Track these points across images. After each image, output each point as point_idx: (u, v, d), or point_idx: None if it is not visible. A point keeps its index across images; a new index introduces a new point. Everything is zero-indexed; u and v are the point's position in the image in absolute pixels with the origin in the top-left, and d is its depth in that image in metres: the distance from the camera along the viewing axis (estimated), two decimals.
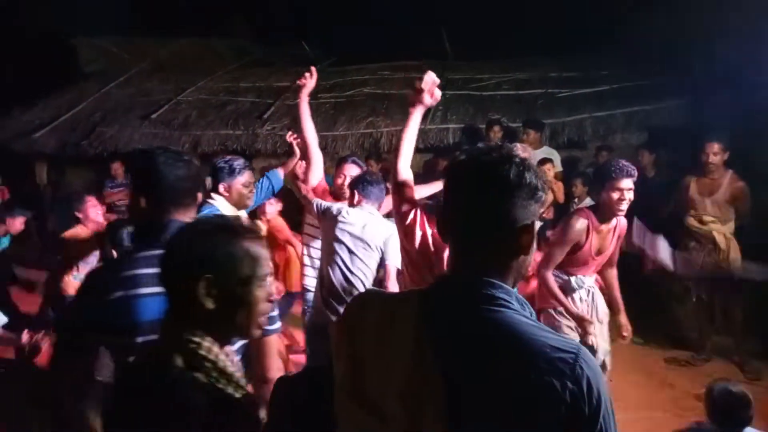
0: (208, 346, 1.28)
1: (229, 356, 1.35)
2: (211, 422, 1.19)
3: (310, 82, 3.51)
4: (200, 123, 8.00)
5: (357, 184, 3.52)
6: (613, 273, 3.65)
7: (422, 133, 7.23)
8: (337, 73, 8.95)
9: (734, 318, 4.82)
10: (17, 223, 5.20)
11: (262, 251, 1.36)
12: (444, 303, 1.11)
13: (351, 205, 3.50)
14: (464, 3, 10.73)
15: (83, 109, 8.60)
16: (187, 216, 1.79)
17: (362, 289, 3.26)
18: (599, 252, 3.37)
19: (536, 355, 1.01)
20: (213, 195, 2.99)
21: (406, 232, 2.60)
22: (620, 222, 3.41)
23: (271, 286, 1.39)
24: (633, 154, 6.59)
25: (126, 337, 1.58)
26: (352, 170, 3.93)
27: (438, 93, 2.52)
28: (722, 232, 4.75)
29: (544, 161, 5.73)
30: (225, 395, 1.26)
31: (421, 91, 2.50)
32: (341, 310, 2.99)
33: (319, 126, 7.56)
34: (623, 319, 3.58)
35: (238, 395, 1.29)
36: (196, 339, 1.27)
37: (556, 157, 6.15)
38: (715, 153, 4.67)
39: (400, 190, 2.57)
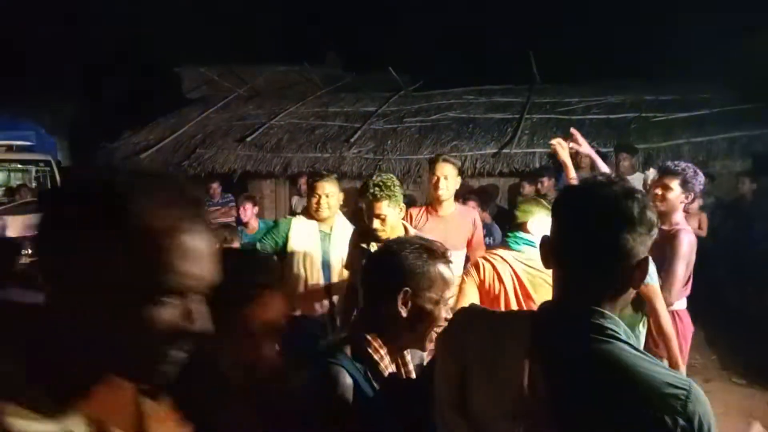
0: (386, 361, 1.46)
1: (407, 365, 1.54)
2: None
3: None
4: (291, 146, 8.34)
5: None
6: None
7: (507, 158, 7.20)
8: (422, 97, 9.08)
9: None
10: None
11: (452, 276, 1.54)
12: (555, 329, 1.13)
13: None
14: (553, 25, 10.62)
15: (185, 133, 9.20)
16: None
17: None
18: None
19: (649, 390, 1.02)
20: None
21: None
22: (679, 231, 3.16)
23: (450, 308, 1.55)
24: (734, 182, 6.23)
25: None
26: (447, 170, 3.58)
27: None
28: None
29: None
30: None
31: None
32: None
33: (403, 150, 7.77)
34: None
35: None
36: (377, 355, 1.45)
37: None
38: None
39: None
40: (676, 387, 1.02)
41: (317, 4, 13.64)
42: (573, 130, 3.72)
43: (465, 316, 1.32)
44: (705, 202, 5.89)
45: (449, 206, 3.65)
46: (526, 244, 2.74)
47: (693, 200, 3.38)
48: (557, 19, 11.07)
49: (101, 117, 12.48)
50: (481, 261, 2.81)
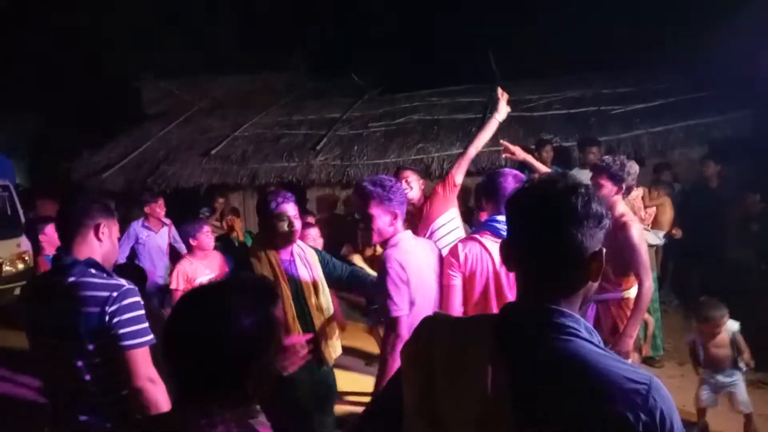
0: None
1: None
2: None
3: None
4: (257, 157, 8.26)
5: None
6: None
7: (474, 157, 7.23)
8: (386, 101, 9.11)
9: None
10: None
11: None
12: (516, 331, 1.12)
13: None
14: (510, 24, 10.74)
15: (147, 149, 9.03)
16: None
17: None
18: None
19: (609, 385, 1.02)
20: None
21: None
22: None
23: None
24: (697, 166, 6.38)
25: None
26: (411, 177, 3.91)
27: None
28: None
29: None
30: None
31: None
32: None
33: (370, 155, 7.77)
34: None
35: None
36: None
37: None
38: None
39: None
40: (637, 382, 1.02)
41: (277, 7, 13.53)
42: (503, 142, 4.13)
43: (430, 324, 1.32)
44: (673, 190, 6.02)
45: None
46: None
47: (627, 190, 3.48)
48: (514, 15, 11.19)
49: (61, 135, 12.16)
50: (466, 242, 2.73)
